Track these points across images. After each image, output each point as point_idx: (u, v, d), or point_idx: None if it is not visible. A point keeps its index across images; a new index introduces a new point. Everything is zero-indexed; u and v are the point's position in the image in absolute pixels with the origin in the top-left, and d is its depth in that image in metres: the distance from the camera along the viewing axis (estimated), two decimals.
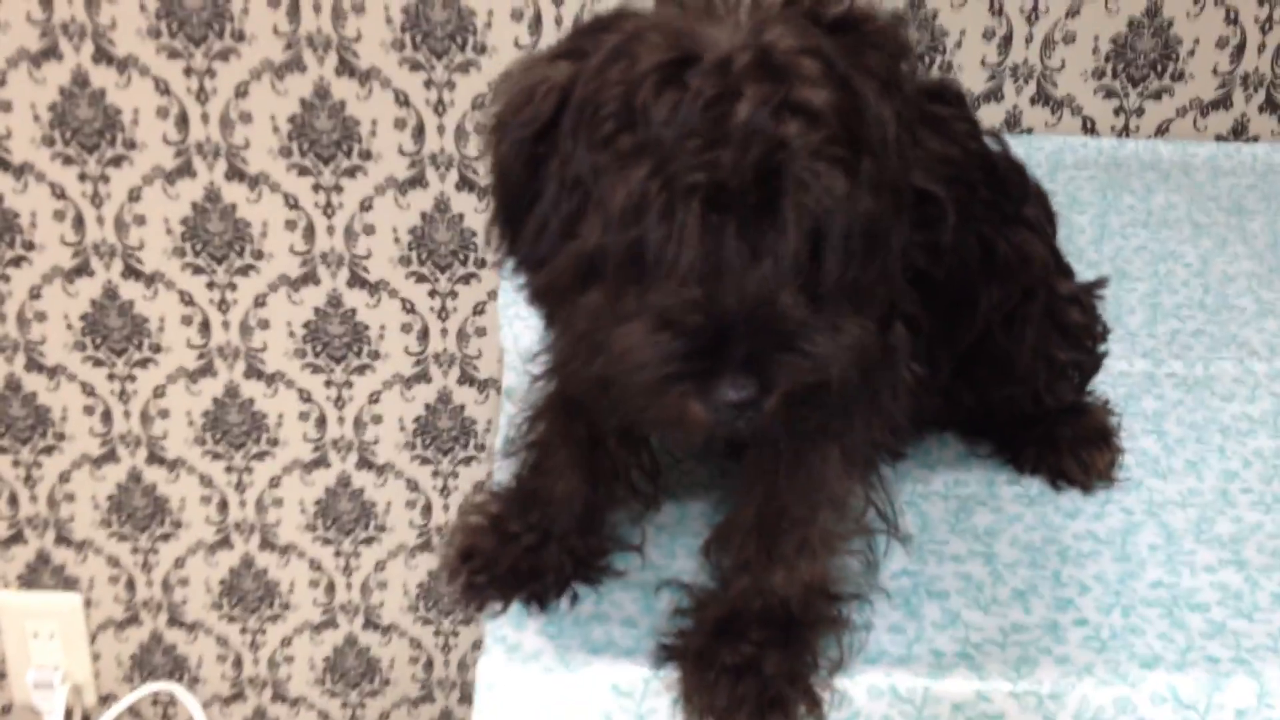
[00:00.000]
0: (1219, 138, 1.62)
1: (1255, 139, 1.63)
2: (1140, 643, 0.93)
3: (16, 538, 1.79)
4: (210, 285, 1.63)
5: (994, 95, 1.58)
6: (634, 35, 0.76)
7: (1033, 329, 1.04)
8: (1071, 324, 1.06)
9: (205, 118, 1.53)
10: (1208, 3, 1.54)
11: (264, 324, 1.65)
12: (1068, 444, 1.08)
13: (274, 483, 1.76)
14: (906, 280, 0.91)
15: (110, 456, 1.73)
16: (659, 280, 0.74)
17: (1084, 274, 1.29)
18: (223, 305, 1.64)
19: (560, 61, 0.79)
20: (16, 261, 1.61)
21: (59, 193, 1.57)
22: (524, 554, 0.94)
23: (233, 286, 1.63)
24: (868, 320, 0.79)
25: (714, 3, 0.78)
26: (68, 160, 1.55)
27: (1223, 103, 1.60)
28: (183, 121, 1.53)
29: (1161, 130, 1.62)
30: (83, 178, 1.56)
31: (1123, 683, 0.90)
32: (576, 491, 0.95)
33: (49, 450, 1.73)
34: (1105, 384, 1.18)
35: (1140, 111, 1.60)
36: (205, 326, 1.65)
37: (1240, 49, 1.57)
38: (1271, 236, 1.43)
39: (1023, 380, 1.05)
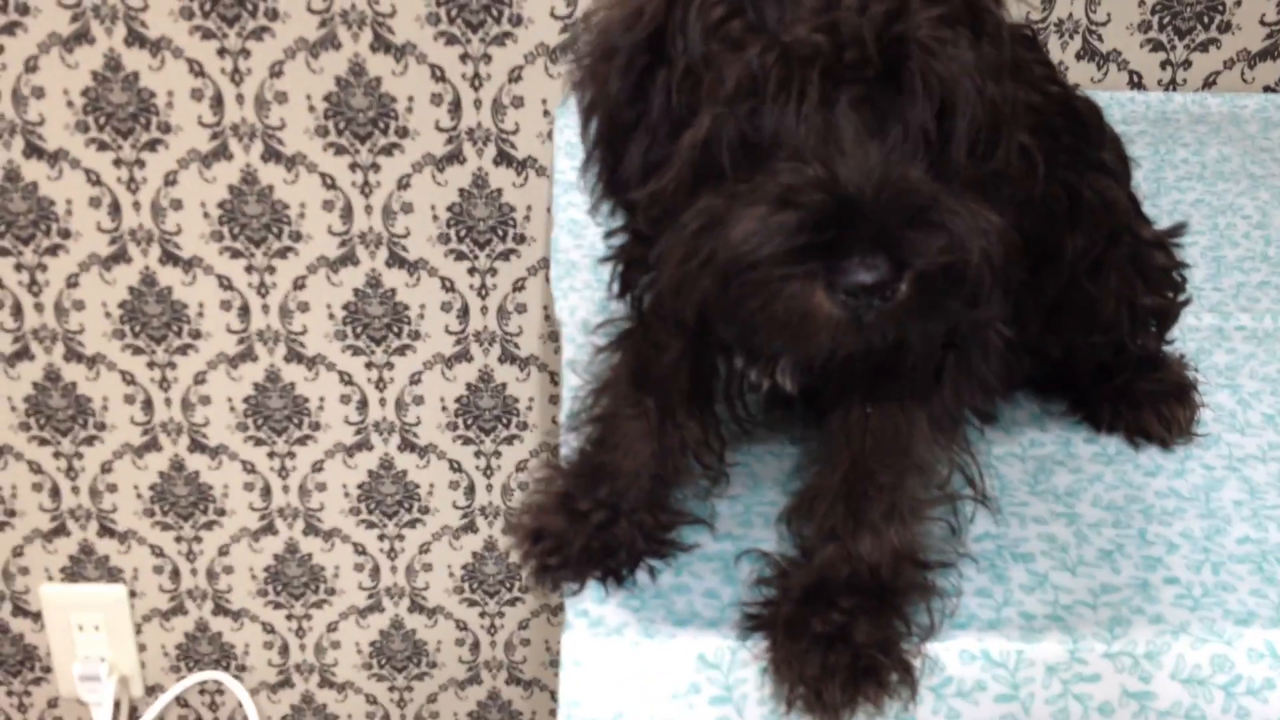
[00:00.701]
0: (1267, 89, 1.60)
1: None
2: (1233, 599, 0.91)
3: (59, 530, 1.77)
4: (249, 269, 1.61)
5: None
6: None
7: (1117, 275, 1.01)
8: (1156, 268, 1.04)
9: (240, 99, 1.51)
10: None
11: (304, 306, 1.63)
12: (1148, 399, 1.06)
13: (317, 467, 1.75)
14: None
15: (152, 445, 1.72)
16: (778, 161, 0.70)
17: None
18: (262, 289, 1.62)
19: None
20: (54, 250, 1.59)
21: (94, 179, 1.55)
22: (595, 531, 0.91)
23: (271, 269, 1.61)
24: (1004, 219, 0.74)
25: None
26: (102, 145, 1.53)
27: (1270, 53, 1.57)
28: (218, 104, 1.51)
29: (1209, 83, 1.59)
30: (118, 163, 1.54)
31: (1219, 640, 0.88)
32: (644, 465, 0.93)
33: (90, 440, 1.71)
34: (1175, 338, 1.15)
35: (1187, 64, 1.58)
36: (245, 311, 1.63)
37: None
38: None
39: (1107, 328, 1.03)
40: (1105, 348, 1.04)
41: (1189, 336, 1.17)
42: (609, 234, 0.86)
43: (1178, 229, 1.08)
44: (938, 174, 0.72)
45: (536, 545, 0.92)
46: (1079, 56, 1.56)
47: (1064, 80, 0.99)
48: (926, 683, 0.86)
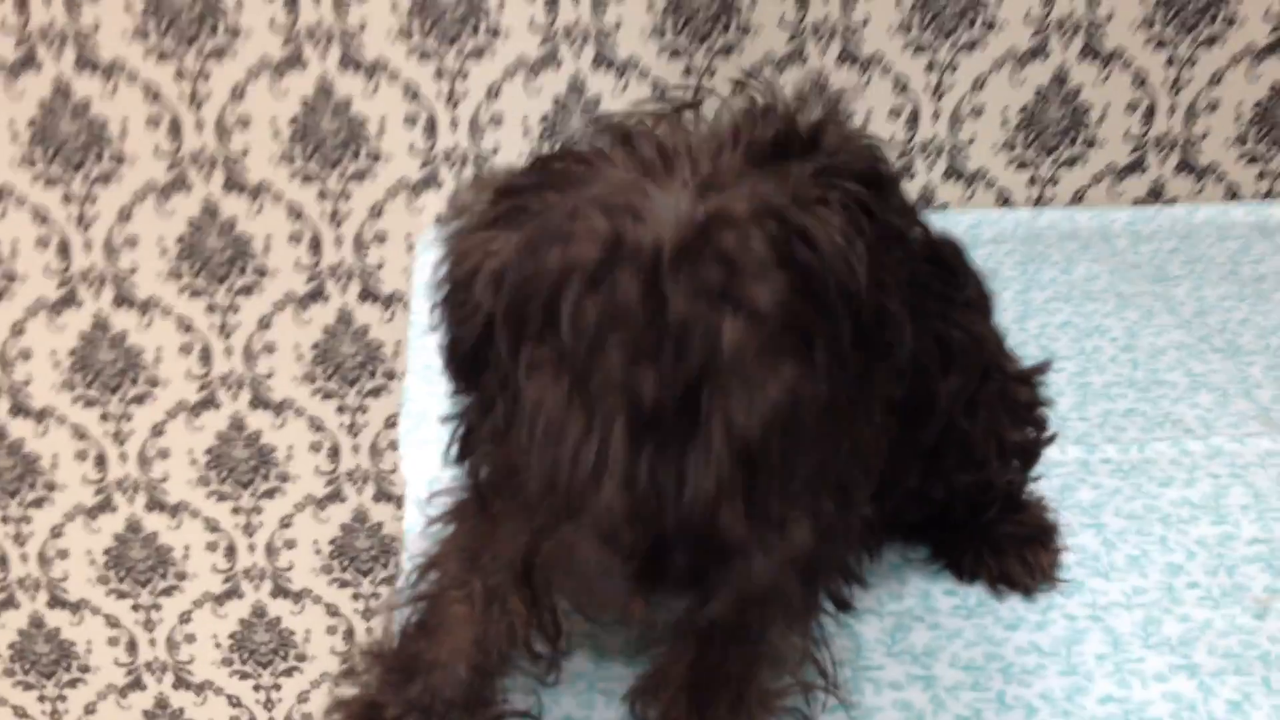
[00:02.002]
0: (1136, 201, 1.59)
1: (1174, 200, 1.59)
2: None
3: None
4: (104, 416, 1.55)
5: (906, 173, 1.54)
6: (571, 212, 0.69)
7: (986, 411, 0.98)
8: (1021, 404, 1.01)
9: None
10: (1114, 68, 1.51)
11: (164, 454, 1.57)
12: (1010, 543, 1.02)
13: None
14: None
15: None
16: (587, 498, 0.68)
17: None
18: (118, 437, 1.56)
19: (499, 232, 0.72)
20: None
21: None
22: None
23: (128, 417, 1.55)
24: (833, 500, 0.75)
25: (667, 150, 0.71)
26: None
27: (1137, 166, 1.57)
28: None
29: (1078, 197, 1.58)
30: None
31: None
32: (464, 655, 0.87)
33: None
34: (1039, 473, 1.13)
35: (1054, 180, 1.57)
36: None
37: (1150, 112, 1.54)
38: (1197, 304, 1.39)
39: (978, 466, 0.99)
40: (975, 487, 1.00)
41: (1054, 471, 1.14)
42: (454, 390, 0.81)
43: (1043, 366, 1.05)
44: (750, 504, 0.69)
45: None
46: (945, 176, 1.55)
47: (925, 222, 0.96)
48: None
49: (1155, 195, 1.59)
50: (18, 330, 1.53)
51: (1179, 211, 1.56)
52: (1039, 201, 1.58)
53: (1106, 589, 1.02)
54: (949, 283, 0.95)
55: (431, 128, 1.45)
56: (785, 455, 0.69)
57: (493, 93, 1.44)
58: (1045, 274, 1.45)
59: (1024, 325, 1.35)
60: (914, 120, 1.52)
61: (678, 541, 0.67)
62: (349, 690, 0.88)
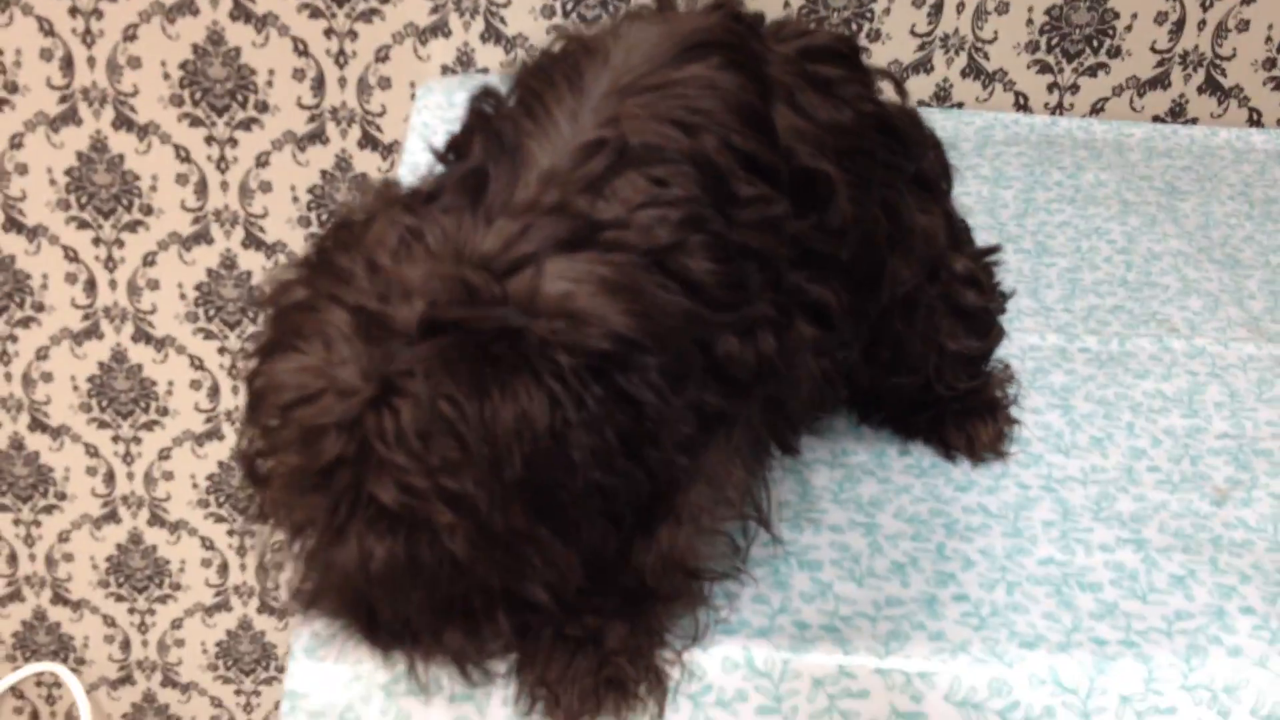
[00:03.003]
0: (1156, 119, 1.56)
1: (1194, 121, 1.56)
2: (1023, 621, 0.86)
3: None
4: (97, 241, 1.55)
5: (923, 66, 1.52)
6: (272, 381, 0.70)
7: (925, 315, 0.97)
8: (967, 307, 0.99)
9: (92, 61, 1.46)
10: None
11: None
12: (953, 416, 1.01)
13: (164, 454, 1.68)
14: (810, 270, 0.84)
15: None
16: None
17: (1003, 248, 1.23)
18: (110, 263, 1.56)
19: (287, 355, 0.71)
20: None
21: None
22: None
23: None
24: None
25: (375, 316, 0.69)
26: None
27: (1160, 82, 1.54)
28: (68, 65, 1.45)
29: (1097, 109, 1.55)
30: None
31: (999, 662, 0.83)
32: None
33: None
34: (1014, 357, 1.11)
35: (1075, 89, 1.54)
36: (91, 286, 1.57)
37: (1180, 25, 1.51)
38: (1203, 218, 1.36)
39: (913, 369, 0.98)
40: (912, 388, 0.99)
41: (1029, 355, 1.12)
42: None
43: (990, 250, 1.03)
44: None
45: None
46: (964, 74, 1.52)
47: (877, 96, 0.94)
48: (685, 690, 0.81)
49: (1176, 114, 1.56)
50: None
51: (1198, 132, 1.53)
52: (1058, 109, 1.55)
53: (1065, 464, 1.00)
54: (901, 153, 0.93)
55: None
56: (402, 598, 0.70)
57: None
58: (1052, 176, 1.42)
59: (1022, 222, 1.33)
60: (937, 11, 1.49)
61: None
62: None
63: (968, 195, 1.36)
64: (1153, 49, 1.52)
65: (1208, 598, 0.89)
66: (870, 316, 0.93)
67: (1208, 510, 0.97)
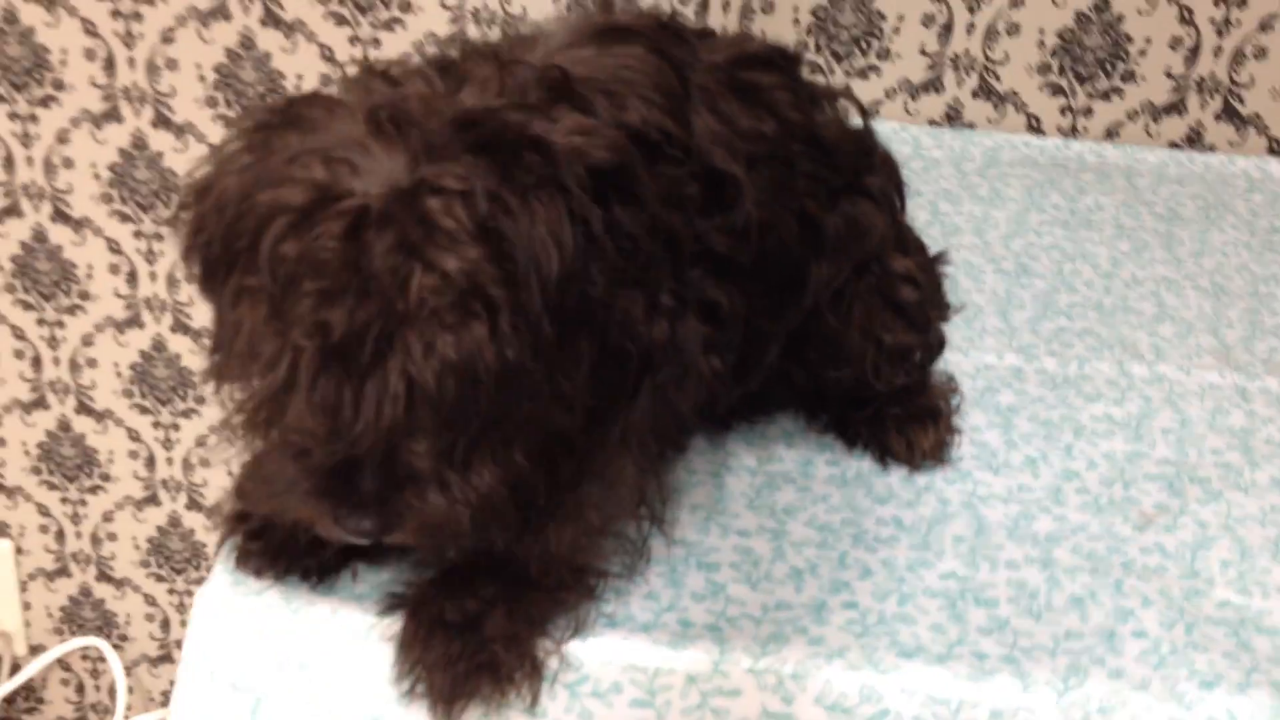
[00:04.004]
0: (1172, 145, 1.55)
1: (1212, 149, 1.55)
2: (907, 631, 0.87)
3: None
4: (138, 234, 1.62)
5: (934, 86, 1.53)
6: (293, 158, 0.72)
7: (862, 308, 0.99)
8: (904, 302, 1.00)
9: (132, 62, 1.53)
10: (1160, 0, 1.47)
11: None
12: (895, 421, 1.02)
13: (200, 441, 1.75)
14: (709, 267, 0.87)
15: (40, 404, 1.74)
16: (281, 409, 0.73)
17: (982, 267, 1.24)
18: (150, 256, 1.63)
19: (242, 157, 0.75)
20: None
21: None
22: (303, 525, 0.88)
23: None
24: (522, 449, 0.76)
25: (401, 114, 0.73)
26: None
27: (1176, 108, 1.53)
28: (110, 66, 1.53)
29: (1111, 133, 1.55)
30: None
31: (874, 669, 0.84)
32: None
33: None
34: (966, 375, 1.12)
35: (1089, 112, 1.54)
36: (133, 278, 1.65)
37: (1195, 51, 1.50)
38: (1198, 245, 1.36)
39: (850, 362, 1.00)
40: (848, 382, 1.00)
41: (982, 375, 1.13)
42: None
43: (936, 259, 1.05)
44: (438, 442, 0.73)
45: (238, 526, 0.89)
46: (975, 94, 1.53)
47: (808, 108, 0.96)
48: (563, 679, 0.84)
49: (1192, 140, 1.55)
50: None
51: (1214, 160, 1.52)
52: (1071, 132, 1.55)
53: (991, 482, 1.01)
54: (827, 165, 0.95)
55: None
56: (466, 406, 0.72)
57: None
58: (1050, 199, 1.42)
59: (1009, 243, 1.33)
60: (947, 31, 1.50)
61: (366, 465, 0.72)
62: None
63: (959, 215, 1.37)
64: (1168, 74, 1.51)
65: (1102, 619, 0.90)
66: (789, 319, 0.95)
67: (1127, 534, 0.97)
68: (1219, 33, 1.48)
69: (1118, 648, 0.88)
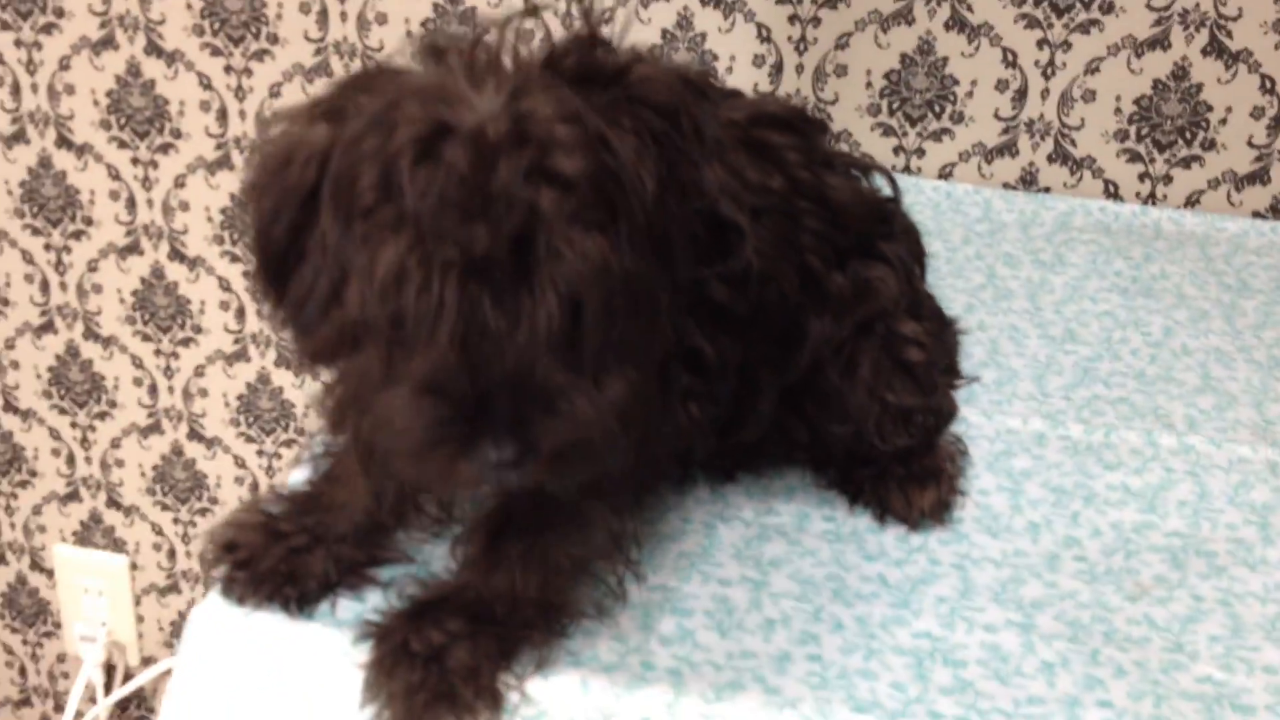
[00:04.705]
0: (1256, 214, 1.52)
1: None
2: (866, 687, 0.88)
3: (73, 496, 1.91)
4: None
5: (1008, 150, 1.53)
6: (393, 103, 0.76)
7: (869, 366, 1.01)
8: (910, 363, 1.02)
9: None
10: (1240, 69, 1.45)
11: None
12: (897, 480, 1.04)
13: (199, 371, 1.81)
14: (703, 315, 0.90)
15: (155, 428, 1.84)
16: (422, 348, 0.75)
17: (1028, 332, 1.25)
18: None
19: (319, 124, 0.79)
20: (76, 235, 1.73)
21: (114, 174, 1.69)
22: (288, 555, 0.92)
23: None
24: (637, 370, 0.79)
25: (476, 62, 0.78)
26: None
27: (1259, 177, 1.50)
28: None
29: (1192, 201, 1.53)
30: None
31: None
32: (359, 502, 0.94)
33: (102, 415, 1.84)
34: (985, 439, 1.13)
35: (1168, 179, 1.52)
36: (241, 314, 1.74)
37: (1278, 121, 1.47)
38: (1262, 317, 1.33)
39: (852, 419, 1.02)
40: (850, 439, 1.02)
41: (1001, 439, 1.13)
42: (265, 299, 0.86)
43: (950, 324, 1.06)
44: (574, 354, 0.76)
45: (227, 555, 0.93)
46: (1050, 159, 1.53)
47: (819, 170, 0.99)
48: (523, 713, 0.87)
49: (1277, 210, 1.52)
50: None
51: None
52: (1150, 199, 1.53)
53: (987, 545, 1.02)
54: (834, 225, 0.97)
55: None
56: (602, 313, 0.75)
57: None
58: (1113, 265, 1.41)
59: (1061, 309, 1.33)
60: (1021, 97, 1.50)
61: (502, 389, 0.74)
62: (252, 509, 0.96)
63: (1015, 279, 1.38)
64: (1250, 143, 1.49)
65: (1070, 687, 0.89)
66: (788, 372, 0.98)
67: (1117, 604, 0.97)
68: None
69: (1078, 716, 0.87)
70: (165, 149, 1.67)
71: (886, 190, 1.07)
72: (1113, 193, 1.54)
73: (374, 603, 0.91)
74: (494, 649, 0.87)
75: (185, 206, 1.69)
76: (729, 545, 1.00)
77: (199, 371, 1.79)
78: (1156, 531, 1.04)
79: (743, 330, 0.93)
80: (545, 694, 0.87)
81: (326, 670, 0.89)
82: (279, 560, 0.92)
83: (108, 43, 1.62)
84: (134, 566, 1.95)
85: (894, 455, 1.03)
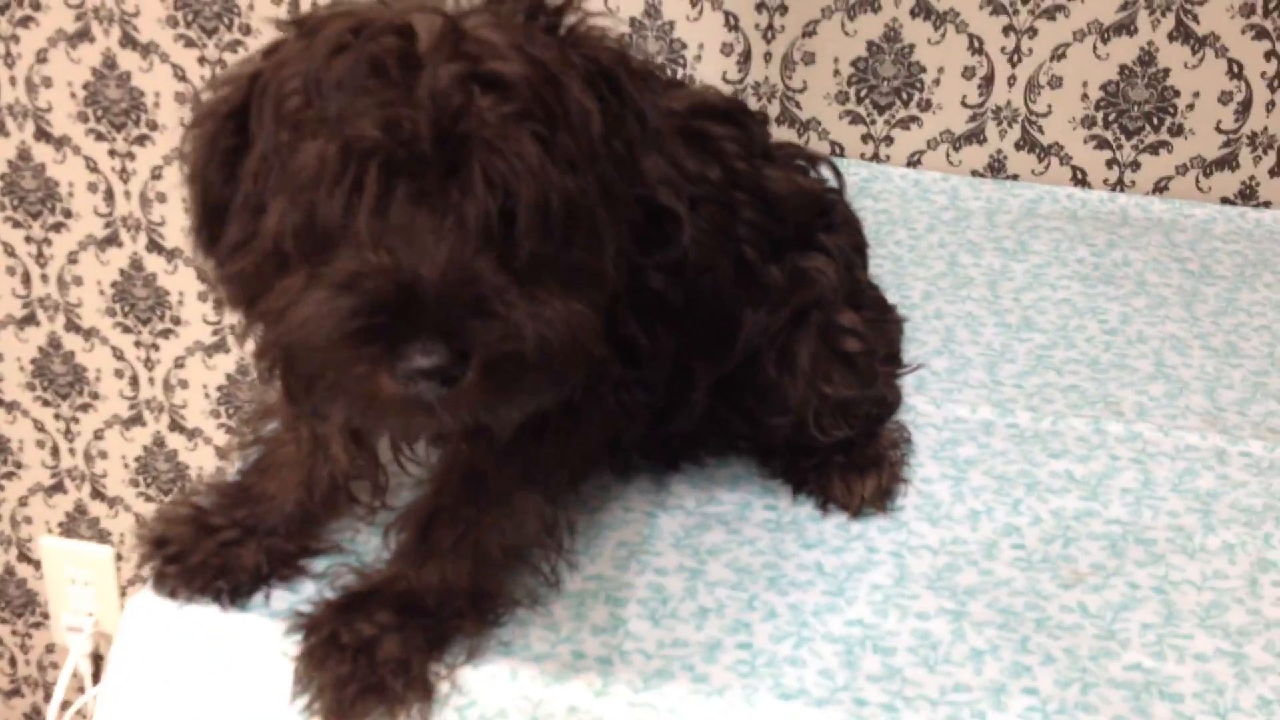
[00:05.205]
0: (1225, 200, 1.52)
1: (1267, 205, 1.51)
2: (794, 674, 0.89)
3: (58, 487, 1.93)
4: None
5: (976, 137, 1.53)
6: (323, 19, 0.76)
7: (806, 357, 1.01)
8: (847, 353, 1.02)
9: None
10: (1207, 54, 1.45)
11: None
12: (839, 469, 1.04)
13: (179, 363, 1.82)
14: (638, 303, 0.90)
15: (138, 420, 1.86)
16: (340, 248, 0.72)
17: (984, 320, 1.25)
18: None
19: (257, 58, 0.79)
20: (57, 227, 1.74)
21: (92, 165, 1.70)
22: (219, 548, 0.92)
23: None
24: (578, 302, 0.76)
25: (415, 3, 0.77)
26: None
27: (1228, 163, 1.50)
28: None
29: (1160, 187, 1.52)
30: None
31: (749, 709, 0.86)
32: (290, 492, 0.94)
33: (85, 408, 1.86)
34: (932, 426, 1.13)
35: (1136, 165, 1.52)
36: (220, 305, 1.75)
37: (1246, 106, 1.47)
38: (1223, 304, 1.33)
39: (790, 411, 1.02)
40: (789, 430, 1.02)
41: (948, 427, 1.13)
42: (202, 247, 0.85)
43: (889, 313, 1.06)
44: (504, 265, 0.73)
45: (158, 550, 0.94)
46: (1018, 146, 1.53)
47: (757, 162, 0.99)
48: (454, 703, 0.88)
49: (1246, 196, 1.51)
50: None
51: (1268, 216, 1.48)
52: (1118, 185, 1.53)
53: (926, 533, 1.02)
54: (771, 215, 0.97)
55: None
56: (537, 216, 0.73)
57: None
58: (1076, 253, 1.41)
59: (1019, 296, 1.33)
60: (988, 84, 1.50)
61: (429, 289, 0.70)
62: (183, 503, 0.97)
63: (977, 267, 1.38)
64: (1218, 129, 1.48)
65: (996, 674, 0.90)
66: (722, 361, 0.98)
67: (1051, 592, 0.97)
68: (1271, 88, 1.45)
69: (1003, 703, 0.88)
70: (142, 140, 1.68)
71: (833, 182, 1.07)
72: (1081, 179, 1.53)
73: (308, 594, 0.92)
74: (424, 640, 0.87)
75: (163, 198, 1.70)
76: (668, 534, 1.01)
77: (179, 363, 1.81)
78: (1098, 519, 1.04)
79: (677, 320, 0.94)
80: (475, 684, 0.88)
81: (262, 661, 0.90)
82: (210, 554, 0.92)
83: (84, 35, 1.63)
84: (119, 558, 1.97)
85: (835, 445, 1.04)
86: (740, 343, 0.98)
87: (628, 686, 0.87)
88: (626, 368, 0.91)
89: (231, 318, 1.76)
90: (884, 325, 1.07)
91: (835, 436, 1.03)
